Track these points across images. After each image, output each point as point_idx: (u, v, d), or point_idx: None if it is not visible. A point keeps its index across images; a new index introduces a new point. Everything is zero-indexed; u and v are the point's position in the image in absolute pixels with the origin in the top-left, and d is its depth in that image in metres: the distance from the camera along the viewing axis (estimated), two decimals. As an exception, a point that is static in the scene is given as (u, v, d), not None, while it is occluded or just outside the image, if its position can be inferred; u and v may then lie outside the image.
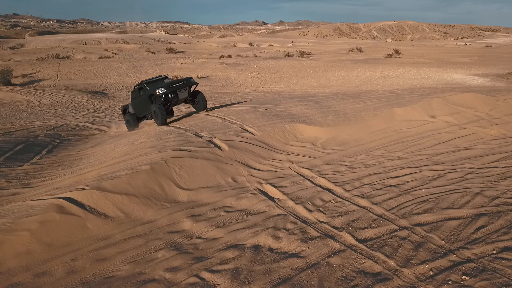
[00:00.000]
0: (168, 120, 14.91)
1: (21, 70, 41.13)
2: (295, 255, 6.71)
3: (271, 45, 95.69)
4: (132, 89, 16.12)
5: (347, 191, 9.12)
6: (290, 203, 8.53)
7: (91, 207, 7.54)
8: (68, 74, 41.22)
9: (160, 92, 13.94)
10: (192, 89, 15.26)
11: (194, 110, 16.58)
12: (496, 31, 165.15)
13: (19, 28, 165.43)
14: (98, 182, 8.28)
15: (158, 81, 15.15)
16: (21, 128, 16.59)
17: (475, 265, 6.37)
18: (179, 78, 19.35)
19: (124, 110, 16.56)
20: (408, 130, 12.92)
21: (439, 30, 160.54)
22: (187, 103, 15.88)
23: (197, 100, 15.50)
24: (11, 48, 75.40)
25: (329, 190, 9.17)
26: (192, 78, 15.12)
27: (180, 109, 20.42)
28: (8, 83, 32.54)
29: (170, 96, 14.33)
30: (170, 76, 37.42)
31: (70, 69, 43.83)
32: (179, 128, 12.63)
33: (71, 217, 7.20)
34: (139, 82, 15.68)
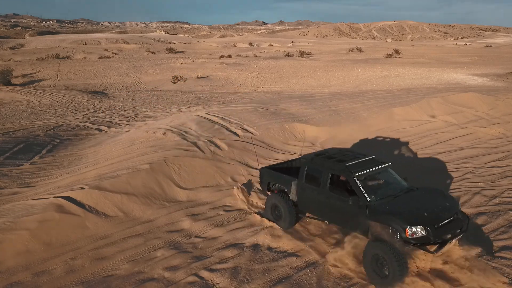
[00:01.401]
0: None
1: (21, 70, 41.12)
2: (294, 254, 6.72)
3: (271, 45, 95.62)
4: (310, 160, 7.48)
5: (346, 190, 9.11)
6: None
7: (91, 206, 7.55)
8: (68, 74, 41.21)
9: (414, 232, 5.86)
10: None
11: None
12: (496, 31, 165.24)
13: (19, 28, 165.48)
14: (97, 181, 8.30)
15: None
16: (21, 128, 16.59)
17: (474, 264, 6.37)
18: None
19: (267, 184, 8.24)
20: (407, 129, 12.94)
21: (439, 30, 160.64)
22: None
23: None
24: (11, 48, 75.35)
25: (328, 190, 9.15)
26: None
27: (180, 108, 20.43)
28: (8, 83, 32.50)
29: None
30: (171, 77, 37.38)
31: (70, 69, 43.81)
32: (178, 126, 12.63)
33: (71, 217, 7.21)
34: (335, 157, 7.33)
